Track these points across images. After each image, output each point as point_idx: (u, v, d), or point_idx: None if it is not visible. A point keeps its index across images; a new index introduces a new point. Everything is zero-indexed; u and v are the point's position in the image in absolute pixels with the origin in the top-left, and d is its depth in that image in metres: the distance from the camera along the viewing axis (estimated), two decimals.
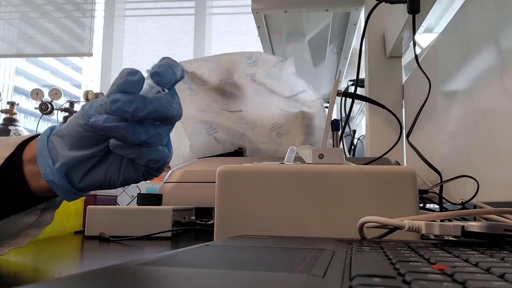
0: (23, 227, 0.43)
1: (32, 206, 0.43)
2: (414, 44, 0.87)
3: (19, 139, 0.42)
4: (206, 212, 0.80)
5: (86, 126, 0.37)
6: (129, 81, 0.35)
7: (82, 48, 2.98)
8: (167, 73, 0.36)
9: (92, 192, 0.86)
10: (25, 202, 0.42)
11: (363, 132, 1.59)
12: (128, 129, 0.35)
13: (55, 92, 2.16)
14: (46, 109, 2.06)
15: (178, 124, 1.04)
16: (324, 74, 2.02)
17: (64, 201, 0.43)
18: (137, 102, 0.35)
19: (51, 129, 0.41)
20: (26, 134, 0.82)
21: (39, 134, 0.41)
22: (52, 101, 2.13)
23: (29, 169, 0.40)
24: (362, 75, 1.15)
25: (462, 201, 0.67)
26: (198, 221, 0.73)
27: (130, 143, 0.36)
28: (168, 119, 0.37)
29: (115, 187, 0.42)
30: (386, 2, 0.94)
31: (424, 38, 1.32)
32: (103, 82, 2.97)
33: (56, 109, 2.11)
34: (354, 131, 1.71)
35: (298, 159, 0.59)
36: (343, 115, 1.46)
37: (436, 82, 0.88)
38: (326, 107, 1.17)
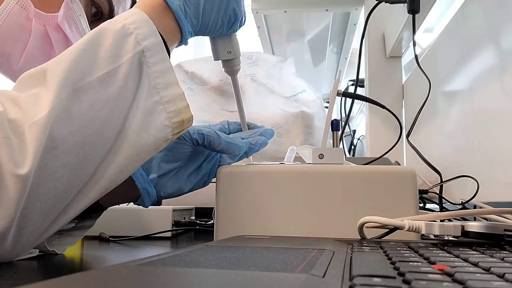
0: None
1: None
2: (414, 44, 0.87)
3: None
4: (206, 212, 0.80)
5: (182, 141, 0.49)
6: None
7: None
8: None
9: None
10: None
11: (363, 132, 1.59)
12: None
13: None
14: None
15: None
16: (324, 74, 2.02)
17: None
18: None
19: None
20: None
21: None
22: None
23: None
24: (362, 75, 1.15)
25: (462, 201, 0.67)
26: (198, 221, 0.73)
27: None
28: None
29: (182, 194, 0.52)
30: (386, 2, 0.94)
31: (424, 38, 1.31)
32: None
33: None
34: (354, 131, 1.71)
35: (298, 159, 0.59)
36: (343, 115, 1.45)
37: (436, 82, 0.88)
38: (326, 107, 1.17)
